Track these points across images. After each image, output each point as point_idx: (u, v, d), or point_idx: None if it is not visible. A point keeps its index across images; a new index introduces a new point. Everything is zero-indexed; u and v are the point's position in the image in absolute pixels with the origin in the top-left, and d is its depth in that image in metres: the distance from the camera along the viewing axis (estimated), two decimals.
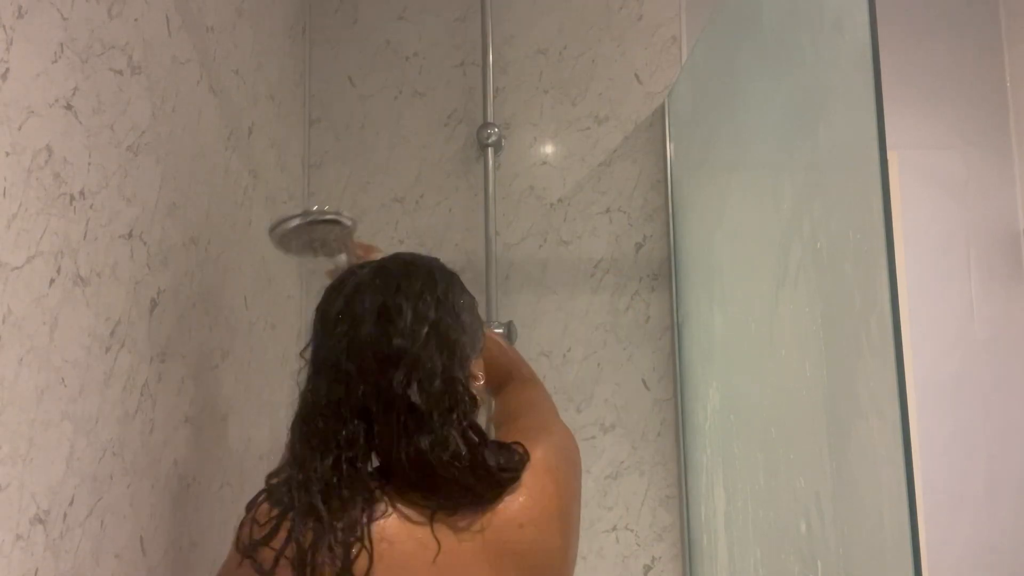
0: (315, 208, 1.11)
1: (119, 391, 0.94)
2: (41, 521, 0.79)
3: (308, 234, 1.10)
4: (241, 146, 1.40)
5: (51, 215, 0.81)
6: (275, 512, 0.82)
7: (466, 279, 0.91)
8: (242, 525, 0.84)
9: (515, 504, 0.84)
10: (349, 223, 1.11)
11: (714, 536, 1.53)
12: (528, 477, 0.86)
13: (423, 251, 0.90)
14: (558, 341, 1.82)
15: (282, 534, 0.80)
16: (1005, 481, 1.85)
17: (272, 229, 1.11)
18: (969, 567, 1.83)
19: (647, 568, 1.76)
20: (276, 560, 0.80)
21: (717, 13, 1.48)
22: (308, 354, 0.89)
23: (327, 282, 0.94)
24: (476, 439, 0.84)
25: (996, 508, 1.84)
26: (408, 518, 0.82)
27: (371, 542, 0.80)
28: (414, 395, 0.82)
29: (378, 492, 0.83)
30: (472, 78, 1.88)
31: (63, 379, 0.83)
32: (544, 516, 0.86)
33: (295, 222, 1.09)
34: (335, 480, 0.81)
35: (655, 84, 1.88)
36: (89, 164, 0.89)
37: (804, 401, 1.08)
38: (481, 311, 1.79)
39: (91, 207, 0.89)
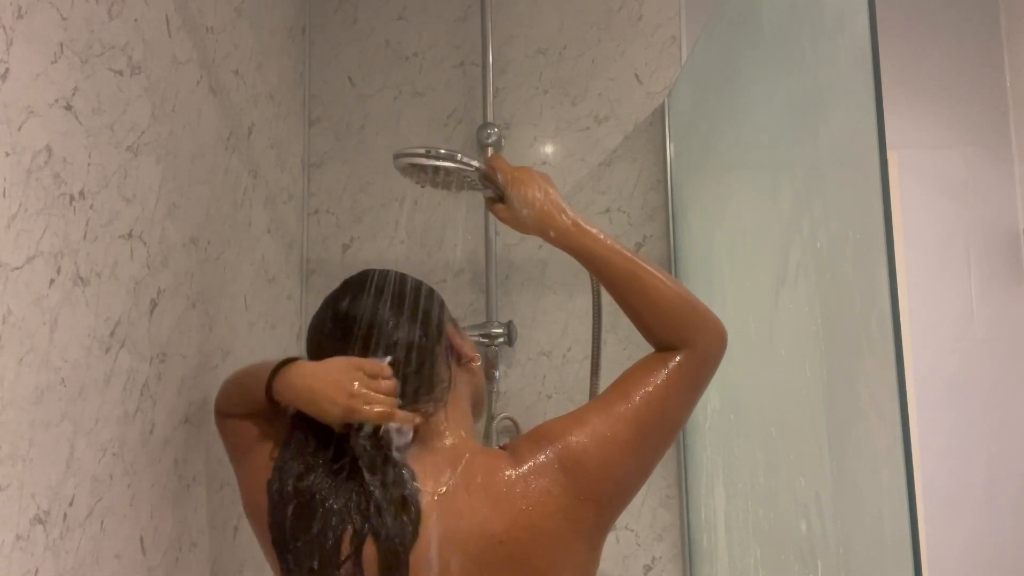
0: (436, 151, 1.06)
1: (119, 391, 0.94)
2: (41, 521, 0.79)
3: (431, 172, 1.07)
4: (241, 146, 1.40)
5: (51, 215, 0.81)
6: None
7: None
8: None
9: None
10: (471, 169, 1.05)
11: (714, 536, 1.53)
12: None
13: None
14: (558, 341, 1.81)
15: None
16: (1005, 481, 1.85)
17: (396, 157, 1.07)
18: (969, 567, 1.83)
19: (647, 568, 1.76)
20: None
21: (717, 13, 1.48)
22: None
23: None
24: None
25: (996, 508, 1.84)
26: None
27: None
28: None
29: None
30: (472, 78, 1.88)
31: (63, 379, 0.83)
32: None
33: (411, 160, 1.06)
34: None
35: (655, 84, 1.87)
36: (89, 164, 0.89)
37: (804, 401, 1.08)
38: (481, 311, 1.82)
39: (91, 207, 0.89)
